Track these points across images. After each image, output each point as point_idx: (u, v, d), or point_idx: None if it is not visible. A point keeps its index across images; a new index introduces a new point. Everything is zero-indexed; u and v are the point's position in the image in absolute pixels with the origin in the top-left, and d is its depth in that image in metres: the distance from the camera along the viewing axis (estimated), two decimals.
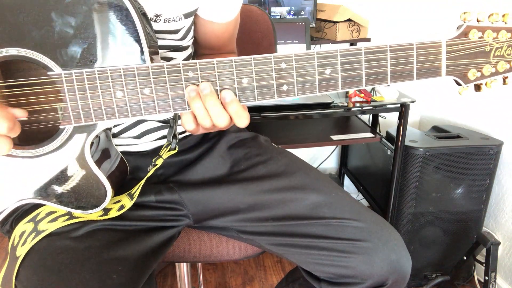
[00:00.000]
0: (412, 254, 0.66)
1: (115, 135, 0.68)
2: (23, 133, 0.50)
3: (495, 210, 1.45)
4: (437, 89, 1.76)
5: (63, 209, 0.58)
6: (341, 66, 0.51)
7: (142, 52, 0.51)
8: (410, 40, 0.51)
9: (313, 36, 1.60)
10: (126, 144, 0.69)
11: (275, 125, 1.52)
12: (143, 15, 0.52)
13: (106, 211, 0.61)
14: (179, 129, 0.74)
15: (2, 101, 0.51)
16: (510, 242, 1.39)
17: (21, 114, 0.49)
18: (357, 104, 1.30)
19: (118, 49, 0.50)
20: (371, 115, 1.68)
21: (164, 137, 0.71)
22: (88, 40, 0.50)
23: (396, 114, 1.35)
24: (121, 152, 0.65)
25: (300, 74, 0.51)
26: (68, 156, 0.54)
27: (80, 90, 0.50)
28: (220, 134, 0.77)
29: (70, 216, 0.59)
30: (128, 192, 0.64)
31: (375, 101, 1.33)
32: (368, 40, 1.57)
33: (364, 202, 1.77)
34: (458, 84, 0.54)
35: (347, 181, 1.94)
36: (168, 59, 0.69)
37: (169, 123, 0.70)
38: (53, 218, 0.59)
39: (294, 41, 1.43)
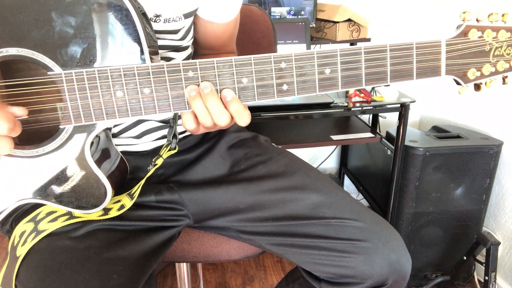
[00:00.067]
0: (412, 254, 0.66)
1: (115, 135, 0.68)
2: (23, 133, 0.50)
3: (495, 210, 1.45)
4: (437, 89, 1.76)
5: (63, 209, 0.58)
6: (341, 65, 0.51)
7: (142, 52, 0.51)
8: (410, 39, 0.51)
9: (313, 36, 1.61)
10: (126, 144, 0.69)
11: (275, 125, 1.52)
12: (143, 15, 0.52)
13: (106, 211, 0.61)
14: (179, 129, 0.74)
15: (2, 100, 0.51)
16: (510, 242, 1.39)
17: (21, 112, 0.49)
18: (357, 104, 1.30)
19: (118, 49, 0.50)
20: (371, 115, 1.68)
21: (164, 137, 0.71)
22: (88, 40, 0.50)
23: (396, 114, 1.35)
24: (121, 152, 0.65)
25: (300, 73, 0.51)
26: (68, 156, 0.54)
27: (80, 90, 0.50)
28: (220, 134, 0.77)
29: (70, 216, 0.59)
30: (128, 192, 0.64)
31: (375, 101, 1.33)
32: (368, 40, 1.57)
33: (364, 202, 1.77)
34: (458, 83, 0.54)
35: (347, 181, 1.94)
36: (168, 59, 0.69)
37: (169, 123, 0.70)
38: (53, 218, 0.59)
39: (294, 41, 1.43)
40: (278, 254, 0.69)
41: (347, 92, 1.38)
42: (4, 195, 0.57)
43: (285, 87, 0.52)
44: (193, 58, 0.77)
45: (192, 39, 0.74)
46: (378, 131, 1.63)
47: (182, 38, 0.69)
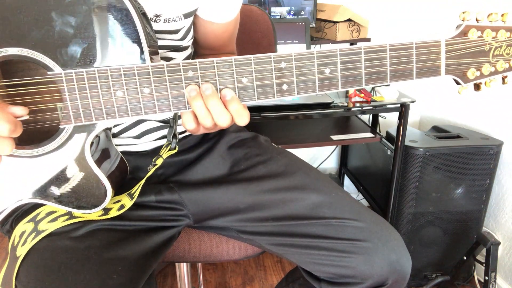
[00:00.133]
0: (412, 254, 0.66)
1: (115, 135, 0.68)
2: (23, 133, 0.50)
3: (495, 210, 1.45)
4: (437, 89, 1.76)
5: (63, 209, 0.58)
6: (340, 65, 0.51)
7: (142, 52, 0.51)
8: (410, 39, 0.51)
9: (313, 36, 1.61)
10: (126, 144, 0.69)
11: (275, 125, 1.52)
12: (143, 15, 0.52)
13: (106, 210, 0.61)
14: (179, 129, 0.74)
15: (2, 100, 0.51)
16: (510, 242, 1.39)
17: (21, 112, 0.49)
18: (357, 104, 1.30)
19: (118, 48, 0.50)
20: (371, 115, 1.68)
21: (164, 137, 0.71)
22: (88, 40, 0.50)
23: (396, 114, 1.35)
24: (121, 152, 0.65)
25: (300, 73, 0.51)
26: (68, 156, 0.54)
27: (80, 90, 0.50)
28: (220, 134, 0.77)
29: (70, 216, 0.59)
30: (128, 192, 0.64)
31: (375, 101, 1.33)
32: (368, 40, 1.57)
33: (364, 202, 1.77)
34: (458, 83, 0.54)
35: (347, 181, 1.94)
36: (168, 59, 0.69)
37: (169, 123, 0.70)
38: (53, 218, 0.59)
39: (294, 41, 1.43)
40: (278, 254, 0.69)
41: (347, 92, 1.38)
42: (4, 195, 0.57)
43: (285, 87, 0.52)
44: (193, 58, 0.77)
45: (192, 39, 0.74)
46: (378, 131, 1.63)
47: (182, 38, 0.69)
